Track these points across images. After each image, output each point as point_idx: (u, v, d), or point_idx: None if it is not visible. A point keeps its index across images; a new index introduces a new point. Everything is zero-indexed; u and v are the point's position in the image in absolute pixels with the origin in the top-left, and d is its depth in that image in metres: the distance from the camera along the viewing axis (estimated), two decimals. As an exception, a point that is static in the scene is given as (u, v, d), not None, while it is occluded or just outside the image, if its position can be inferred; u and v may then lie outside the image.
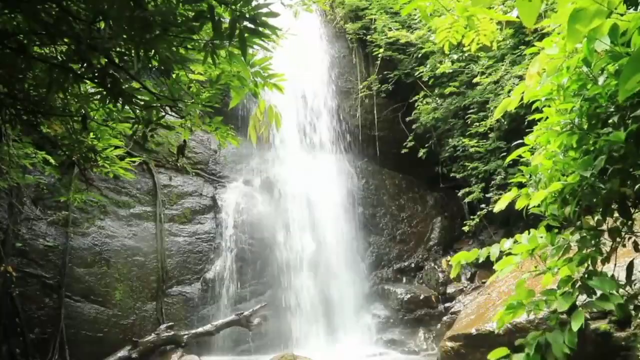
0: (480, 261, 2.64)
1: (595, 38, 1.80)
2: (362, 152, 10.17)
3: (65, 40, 2.61)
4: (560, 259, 2.37)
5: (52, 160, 4.50)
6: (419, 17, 9.00)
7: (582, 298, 2.38)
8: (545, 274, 2.44)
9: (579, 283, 2.34)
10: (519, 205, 2.48)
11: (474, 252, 2.58)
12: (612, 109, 2.09)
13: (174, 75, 3.00)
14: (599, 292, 2.33)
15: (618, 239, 2.29)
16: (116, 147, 4.10)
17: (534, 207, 2.44)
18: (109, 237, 7.33)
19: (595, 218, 2.33)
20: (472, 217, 7.93)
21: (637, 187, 2.00)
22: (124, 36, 2.43)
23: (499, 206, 2.54)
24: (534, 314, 2.57)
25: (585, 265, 2.36)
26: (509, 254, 2.50)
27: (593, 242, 2.32)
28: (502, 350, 2.36)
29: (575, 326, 2.12)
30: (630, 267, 2.35)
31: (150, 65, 2.65)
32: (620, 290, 2.34)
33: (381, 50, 9.52)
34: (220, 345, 7.34)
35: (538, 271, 2.46)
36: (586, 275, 2.34)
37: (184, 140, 3.95)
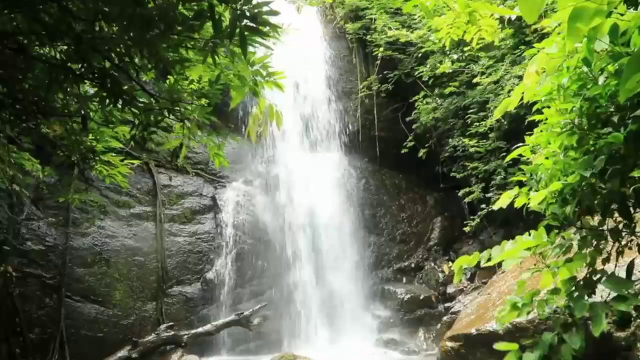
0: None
1: (595, 38, 1.80)
2: (362, 152, 10.16)
3: (65, 40, 2.61)
4: (561, 259, 2.37)
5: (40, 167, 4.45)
6: (419, 17, 9.00)
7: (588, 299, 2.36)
8: (545, 272, 2.43)
9: (582, 283, 2.33)
10: (518, 203, 2.48)
11: (475, 256, 2.57)
12: (612, 109, 2.09)
13: (172, 80, 3.00)
14: (598, 292, 2.32)
15: (619, 240, 2.28)
16: (116, 149, 4.08)
17: (535, 205, 2.43)
18: (109, 237, 7.33)
19: (596, 218, 2.33)
20: (472, 217, 7.93)
21: (633, 186, 1.99)
22: (124, 36, 2.43)
23: (500, 204, 2.54)
24: (536, 314, 2.56)
25: (586, 264, 2.35)
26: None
27: (594, 242, 2.31)
28: (512, 346, 2.33)
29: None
30: (630, 268, 2.33)
31: (150, 66, 2.64)
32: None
33: (381, 50, 9.51)
34: (220, 345, 7.34)
35: (538, 269, 2.45)
36: (588, 276, 2.33)
37: (181, 143, 3.93)
